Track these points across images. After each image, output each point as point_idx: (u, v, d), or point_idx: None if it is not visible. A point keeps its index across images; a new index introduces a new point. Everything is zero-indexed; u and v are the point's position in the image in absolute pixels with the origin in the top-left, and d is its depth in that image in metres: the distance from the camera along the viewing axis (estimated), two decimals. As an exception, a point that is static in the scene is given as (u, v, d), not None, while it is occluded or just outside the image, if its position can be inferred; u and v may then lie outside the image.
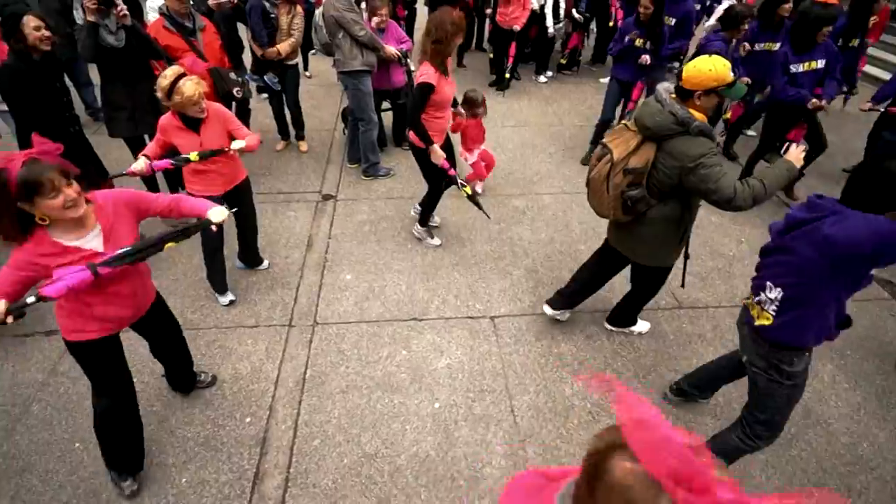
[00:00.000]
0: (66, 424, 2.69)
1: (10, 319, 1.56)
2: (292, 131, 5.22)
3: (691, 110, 2.21)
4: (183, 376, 2.73)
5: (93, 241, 1.78)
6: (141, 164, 2.60)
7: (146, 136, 3.75)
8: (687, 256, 2.83)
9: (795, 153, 2.22)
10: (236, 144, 2.83)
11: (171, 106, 2.68)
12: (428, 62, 3.11)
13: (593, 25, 7.40)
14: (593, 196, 2.59)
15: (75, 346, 2.02)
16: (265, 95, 5.56)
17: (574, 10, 6.81)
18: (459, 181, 3.43)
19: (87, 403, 2.77)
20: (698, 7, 6.47)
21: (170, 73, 2.64)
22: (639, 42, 4.50)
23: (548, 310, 3.20)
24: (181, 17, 3.84)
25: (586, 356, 3.14)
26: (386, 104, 4.93)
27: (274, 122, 5.19)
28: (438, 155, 3.31)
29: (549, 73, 7.32)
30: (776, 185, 2.21)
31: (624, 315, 3.19)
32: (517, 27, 6.17)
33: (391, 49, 4.28)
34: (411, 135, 3.38)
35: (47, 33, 2.93)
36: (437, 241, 3.95)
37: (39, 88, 3.00)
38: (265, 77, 4.61)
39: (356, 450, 2.60)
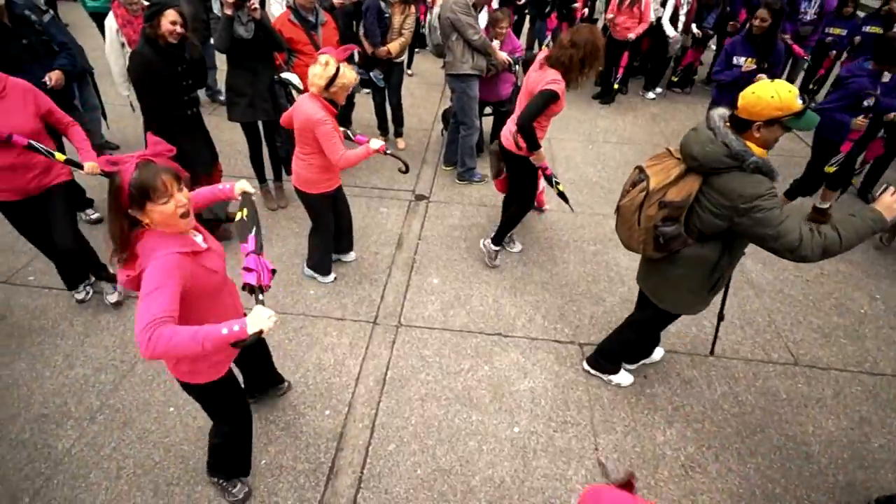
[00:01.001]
0: (164, 387, 2.86)
1: (274, 317, 1.49)
2: (391, 128, 5.30)
3: (749, 143, 1.92)
4: (265, 380, 2.72)
5: (199, 238, 1.75)
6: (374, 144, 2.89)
7: (259, 122, 3.96)
8: (721, 318, 2.53)
9: (889, 201, 1.86)
10: (375, 144, 3.00)
11: (328, 93, 2.78)
12: (561, 73, 2.94)
13: (713, 42, 6.92)
14: (622, 226, 2.31)
15: (203, 388, 1.90)
16: (368, 90, 5.71)
17: (694, 26, 6.39)
18: (554, 179, 3.32)
19: (184, 371, 2.94)
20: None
21: (329, 59, 2.75)
22: (748, 64, 4.11)
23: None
24: (306, 11, 3.99)
25: (682, 402, 2.88)
26: (488, 109, 4.87)
27: (374, 118, 5.30)
28: (542, 157, 3.19)
29: (659, 90, 6.93)
30: (855, 238, 1.86)
31: (607, 356, 2.89)
32: (631, 36, 5.88)
33: (503, 55, 4.21)
34: (507, 139, 3.27)
35: (180, 30, 3.09)
36: (498, 262, 3.78)
37: (164, 73, 3.17)
38: (371, 73, 4.71)
39: (430, 462, 2.54)
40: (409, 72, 7.12)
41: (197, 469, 2.49)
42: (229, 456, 2.28)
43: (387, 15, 4.43)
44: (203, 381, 1.88)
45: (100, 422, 2.68)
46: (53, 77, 3.41)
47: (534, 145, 3.09)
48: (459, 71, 4.08)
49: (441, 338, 3.21)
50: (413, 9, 4.60)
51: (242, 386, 2.37)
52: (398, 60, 4.74)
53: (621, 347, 2.84)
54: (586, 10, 6.70)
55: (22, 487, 2.40)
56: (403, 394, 2.87)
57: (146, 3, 4.32)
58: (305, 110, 2.83)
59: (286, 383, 2.84)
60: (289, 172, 3.61)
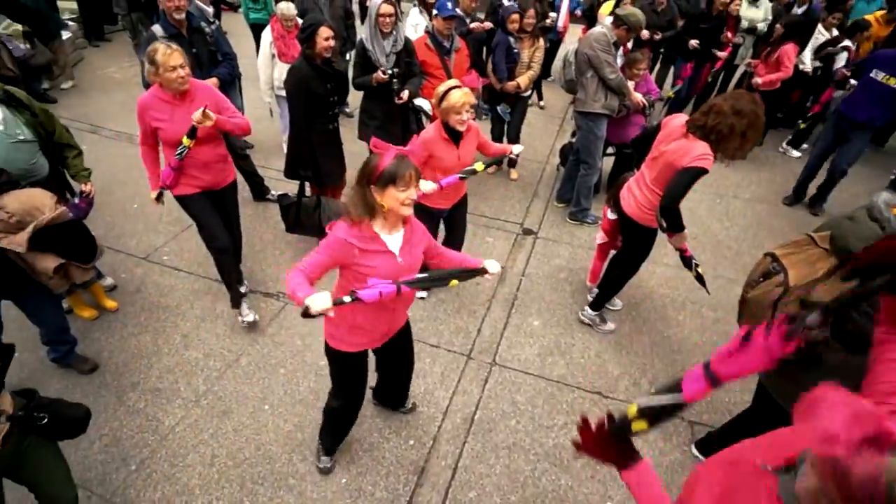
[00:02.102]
0: (262, 384, 2.98)
1: (331, 313, 1.66)
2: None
3: None
4: (395, 396, 2.79)
5: (395, 243, 1.91)
6: (431, 185, 2.83)
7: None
8: None
9: None
10: (426, 186, 2.83)
11: (440, 113, 2.82)
12: (713, 143, 2.56)
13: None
14: (748, 319, 2.00)
15: (334, 353, 2.16)
16: (486, 115, 5.78)
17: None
18: (694, 261, 2.99)
19: (282, 370, 3.06)
20: None
21: (449, 83, 2.81)
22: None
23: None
24: (443, 37, 4.11)
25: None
26: (610, 149, 4.68)
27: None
28: (683, 238, 2.85)
29: (805, 146, 6.28)
30: None
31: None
32: (757, 81, 5.37)
33: (638, 97, 4.04)
34: (629, 206, 2.98)
35: (333, 43, 3.31)
36: (611, 325, 3.48)
37: (315, 90, 3.39)
38: (498, 108, 4.73)
39: (512, 522, 2.39)
40: (542, 104, 7.03)
41: (282, 474, 2.54)
42: (333, 428, 2.47)
43: (515, 50, 4.45)
44: (334, 347, 2.12)
45: (203, 406, 2.85)
46: (211, 84, 3.78)
47: (677, 226, 2.76)
48: (590, 109, 3.96)
49: (536, 385, 3.06)
50: (542, 42, 4.58)
51: (372, 387, 2.73)
52: (525, 94, 4.72)
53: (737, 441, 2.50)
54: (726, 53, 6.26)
55: (131, 454, 2.60)
56: (490, 439, 2.75)
57: (300, 21, 4.73)
58: (426, 130, 3.01)
59: (411, 404, 2.85)
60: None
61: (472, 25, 4.99)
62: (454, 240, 3.45)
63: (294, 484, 2.51)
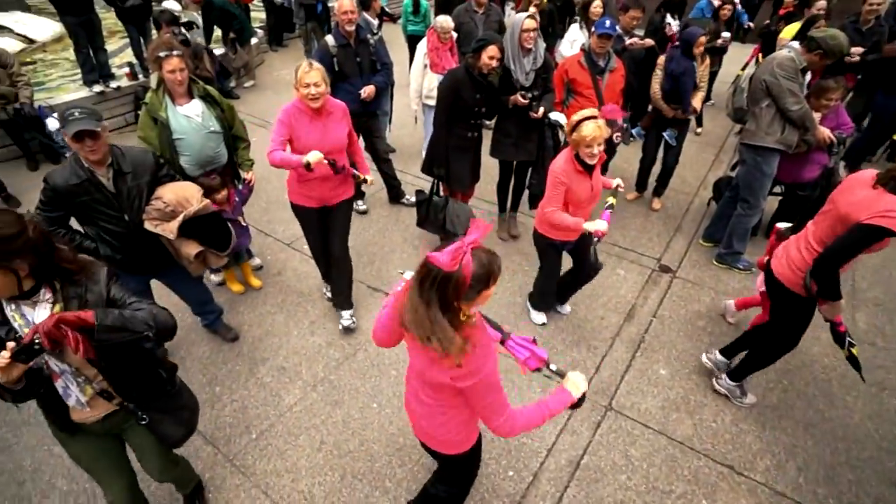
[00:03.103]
0: (373, 381, 3.11)
1: None
2: (651, 184, 4.92)
3: None
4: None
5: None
6: (599, 225, 2.74)
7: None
8: None
9: None
10: (598, 225, 2.77)
11: (573, 142, 2.72)
12: None
13: None
14: None
15: (463, 457, 1.90)
16: (632, 139, 5.46)
17: None
18: (848, 339, 2.49)
19: (393, 372, 3.15)
20: None
21: (585, 112, 2.69)
22: None
23: None
24: (598, 56, 3.96)
25: None
26: (778, 188, 4.12)
27: (631, 168, 5.00)
28: (838, 309, 2.42)
29: None
30: None
31: None
32: None
33: (825, 132, 3.49)
34: (781, 266, 2.55)
35: (496, 63, 3.38)
36: (752, 398, 2.99)
37: (464, 96, 3.48)
38: (665, 133, 4.42)
39: (611, 590, 2.18)
40: (698, 130, 6.50)
41: (380, 473, 2.61)
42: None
43: (696, 74, 4.11)
44: (469, 446, 1.85)
45: (319, 392, 3.04)
46: (368, 91, 4.05)
47: (831, 292, 2.32)
48: (760, 143, 3.52)
49: (655, 442, 2.77)
50: (709, 60, 4.18)
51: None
52: (688, 118, 4.38)
53: None
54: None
55: (254, 423, 2.86)
56: (595, 490, 2.55)
57: (455, 35, 4.90)
58: (555, 164, 2.85)
59: None
60: (534, 207, 3.68)
61: (631, 41, 4.73)
62: (582, 272, 3.28)
63: (390, 487, 2.56)
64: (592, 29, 4.04)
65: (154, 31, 6.19)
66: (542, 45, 3.77)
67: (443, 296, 1.39)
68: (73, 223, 2.57)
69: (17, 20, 8.59)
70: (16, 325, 1.55)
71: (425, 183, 4.74)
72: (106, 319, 1.53)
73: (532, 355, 1.71)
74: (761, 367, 2.89)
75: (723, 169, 5.52)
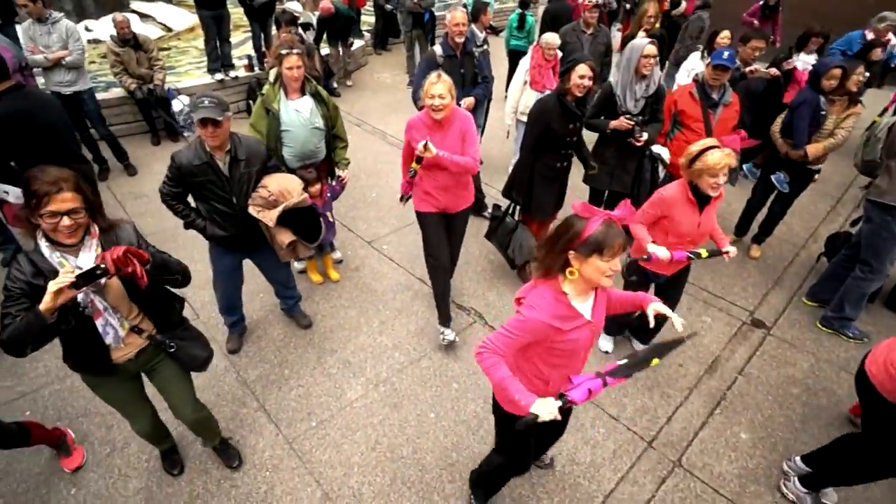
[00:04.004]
0: (434, 391, 3.12)
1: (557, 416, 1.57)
2: (753, 229, 4.58)
3: None
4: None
5: (587, 307, 1.78)
6: (665, 252, 2.65)
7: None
8: None
9: None
10: (658, 251, 2.66)
11: (689, 174, 2.59)
12: None
13: None
14: None
15: (504, 416, 2.03)
16: (745, 179, 5.13)
17: None
18: None
19: (455, 385, 3.14)
20: None
21: (707, 142, 2.58)
22: None
23: None
24: (712, 88, 3.76)
25: None
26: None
27: (735, 210, 4.69)
28: None
29: None
30: None
31: None
32: None
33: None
34: (876, 367, 2.17)
35: (588, 83, 3.26)
36: (833, 498, 2.61)
37: (555, 125, 3.37)
38: (773, 176, 4.10)
39: None
40: (816, 175, 5.94)
41: (430, 486, 2.61)
42: (490, 482, 2.40)
43: (823, 112, 3.75)
44: (509, 411, 1.95)
45: (380, 392, 3.11)
46: (467, 102, 4.12)
47: None
48: (892, 202, 3.16)
49: (727, 512, 2.56)
50: (859, 108, 3.74)
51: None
52: (815, 168, 4.01)
53: None
54: None
55: (315, 412, 2.98)
56: (653, 550, 2.39)
57: (559, 53, 4.86)
58: (666, 187, 2.74)
59: (549, 458, 2.72)
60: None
61: (752, 69, 4.44)
62: (671, 302, 3.11)
63: (438, 501, 2.55)
64: (709, 59, 3.85)
65: (274, 29, 6.70)
66: (659, 72, 3.63)
67: (559, 237, 1.68)
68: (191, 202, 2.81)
69: (159, 10, 9.65)
70: (61, 270, 1.73)
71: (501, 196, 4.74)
72: (156, 258, 1.89)
73: (581, 393, 1.68)
74: (845, 485, 2.47)
75: (839, 223, 5.04)
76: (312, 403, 3.02)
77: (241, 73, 6.95)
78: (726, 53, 3.65)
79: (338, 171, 3.67)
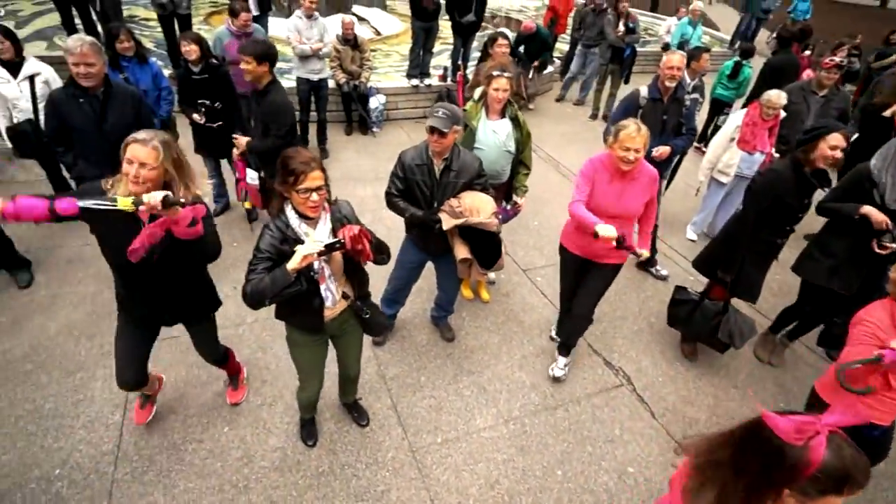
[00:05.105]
0: (564, 445, 2.95)
1: None
2: None
3: None
4: None
5: None
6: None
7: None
8: None
9: None
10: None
11: None
12: None
13: None
14: None
15: None
16: None
17: None
18: None
19: (589, 448, 2.93)
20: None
21: None
22: None
23: None
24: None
25: None
26: None
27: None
28: None
29: None
30: None
31: None
32: None
33: None
34: None
35: (839, 155, 2.83)
36: None
37: (788, 198, 3.00)
38: None
39: None
40: None
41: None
42: None
43: None
44: None
45: (510, 429, 3.01)
46: (661, 152, 3.83)
47: None
48: None
49: None
50: None
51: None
52: None
53: None
54: None
55: (443, 428, 2.98)
56: None
57: (783, 114, 4.35)
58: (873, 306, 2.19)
59: None
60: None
61: None
62: None
63: (549, 569, 2.38)
64: None
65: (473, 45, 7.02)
66: None
67: (765, 472, 1.12)
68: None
69: (374, 14, 10.74)
70: (306, 239, 1.99)
71: (675, 255, 4.36)
72: (374, 238, 2.12)
73: None
74: None
75: None
76: (441, 419, 3.04)
77: (435, 81, 7.41)
78: None
79: (514, 197, 3.68)
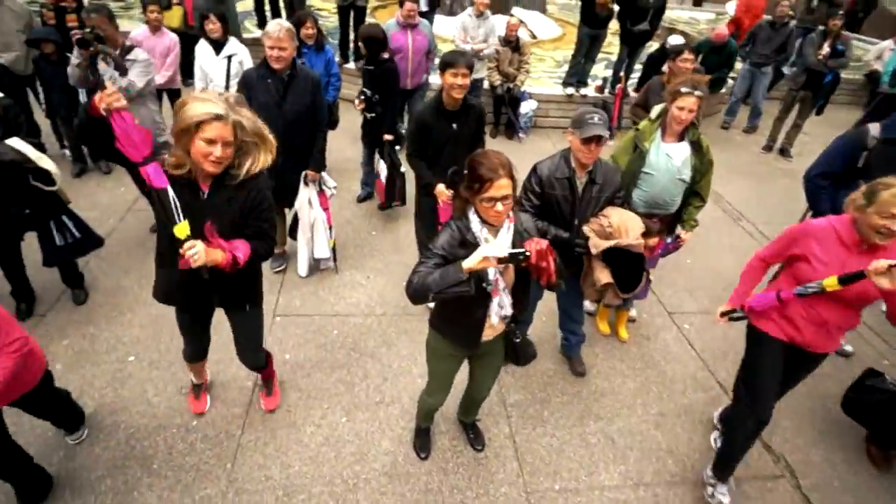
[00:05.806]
0: None
1: None
2: None
3: None
4: None
5: None
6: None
7: None
8: None
9: None
10: None
11: None
12: None
13: None
14: None
15: None
16: None
17: None
18: None
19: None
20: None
21: None
22: None
23: None
24: None
25: None
26: None
27: None
28: None
29: None
30: None
31: None
32: None
33: None
34: None
35: None
36: None
37: None
38: None
39: None
40: None
41: None
42: None
43: None
44: None
45: (638, 496, 2.67)
46: None
47: None
48: None
49: None
50: None
51: None
52: None
53: None
54: None
55: (562, 474, 2.73)
56: None
57: None
58: None
59: None
60: None
61: None
62: None
63: None
64: None
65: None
66: None
67: None
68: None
69: (533, 18, 10.56)
70: (484, 243, 1.84)
71: (864, 330, 3.59)
72: (558, 258, 1.87)
73: None
74: None
75: None
76: (562, 464, 2.78)
77: (591, 91, 7.04)
78: None
79: (679, 230, 3.28)
